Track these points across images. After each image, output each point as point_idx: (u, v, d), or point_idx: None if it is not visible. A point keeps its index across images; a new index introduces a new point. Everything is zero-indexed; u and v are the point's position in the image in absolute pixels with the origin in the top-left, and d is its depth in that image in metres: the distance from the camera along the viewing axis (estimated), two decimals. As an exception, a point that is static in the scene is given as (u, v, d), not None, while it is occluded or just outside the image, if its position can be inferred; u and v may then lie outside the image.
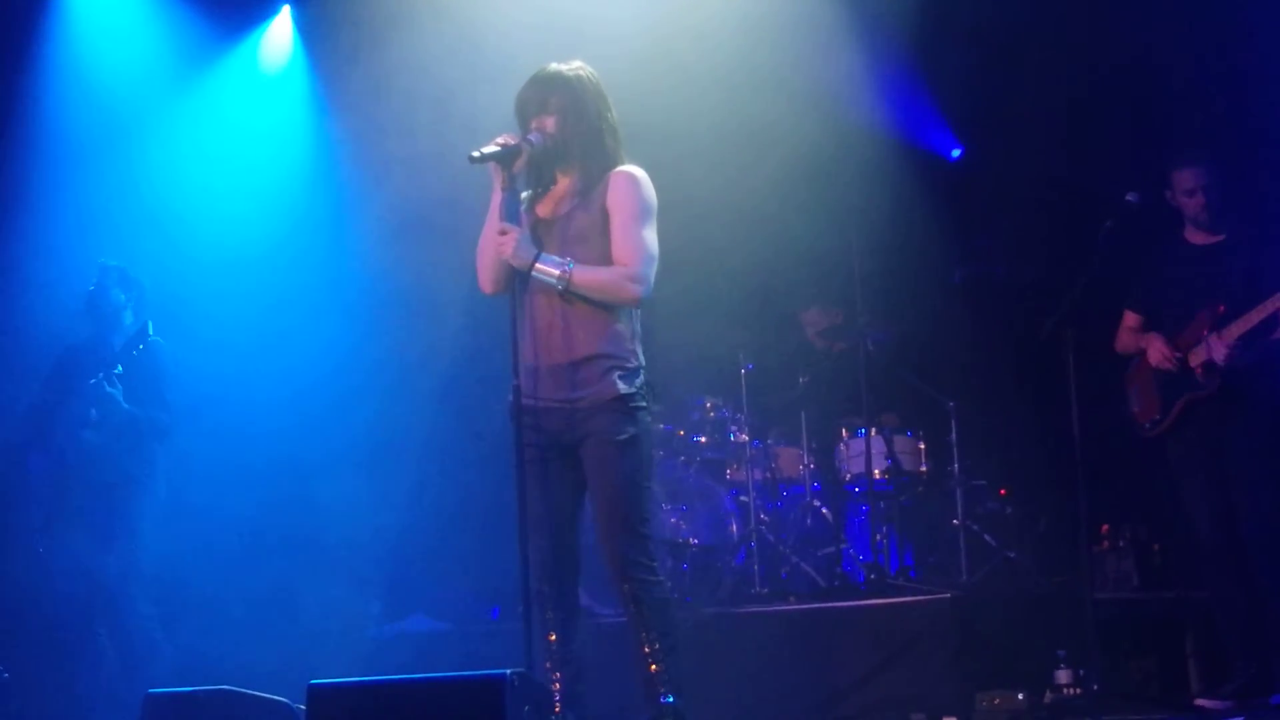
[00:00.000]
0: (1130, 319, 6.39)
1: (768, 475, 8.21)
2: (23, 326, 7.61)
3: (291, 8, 8.66)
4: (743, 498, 8.05)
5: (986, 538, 7.86)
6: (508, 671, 4.12)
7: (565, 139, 4.84)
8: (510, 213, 4.81)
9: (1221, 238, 6.18)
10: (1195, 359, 6.04)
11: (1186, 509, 6.22)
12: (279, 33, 8.69)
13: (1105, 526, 7.68)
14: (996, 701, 6.24)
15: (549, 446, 4.84)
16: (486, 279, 4.92)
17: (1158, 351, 6.14)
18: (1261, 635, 6.04)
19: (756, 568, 7.75)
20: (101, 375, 6.44)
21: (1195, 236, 6.24)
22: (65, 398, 6.62)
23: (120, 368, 6.45)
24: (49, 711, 6.72)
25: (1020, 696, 6.22)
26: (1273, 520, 5.99)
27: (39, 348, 7.27)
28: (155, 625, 6.75)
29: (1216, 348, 5.95)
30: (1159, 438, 6.24)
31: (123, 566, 6.64)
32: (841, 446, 8.17)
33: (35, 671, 6.76)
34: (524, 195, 4.94)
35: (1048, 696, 6.32)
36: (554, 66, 4.91)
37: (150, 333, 6.50)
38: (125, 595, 6.65)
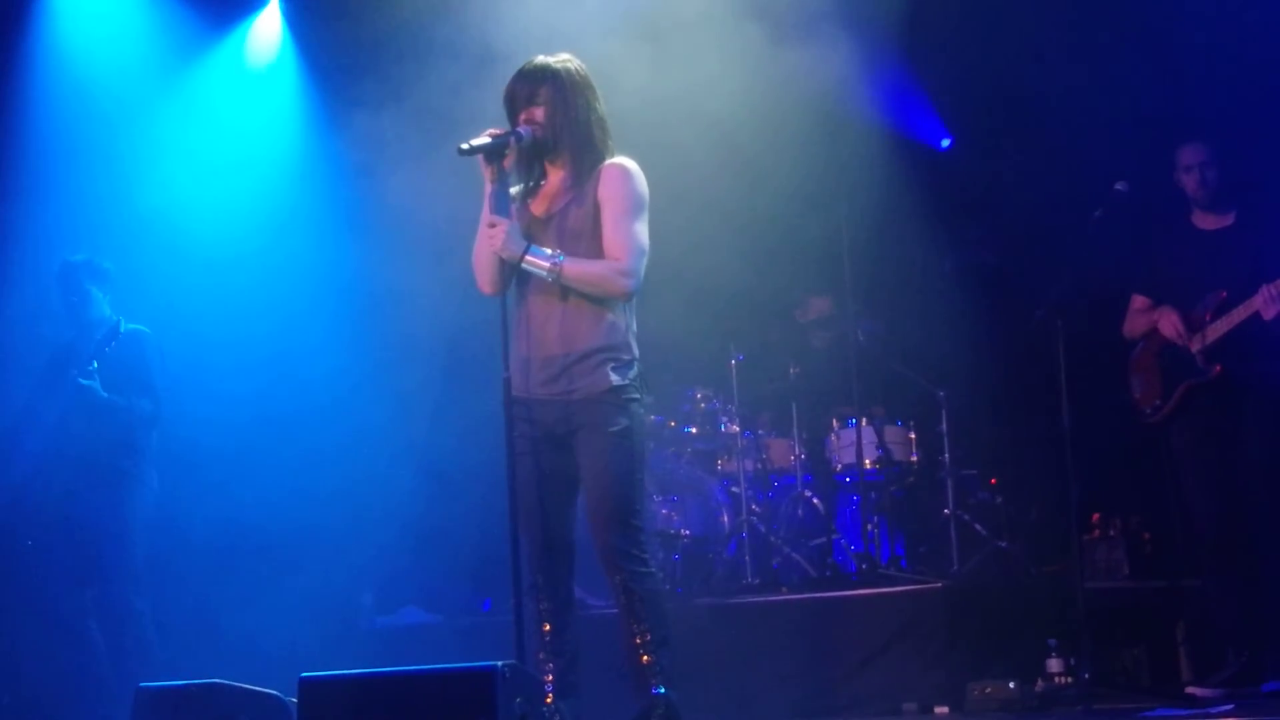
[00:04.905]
0: (1139, 302, 6.36)
1: (759, 466, 8.22)
2: (6, 325, 7.57)
3: (280, 0, 8.64)
4: (734, 489, 8.06)
5: (977, 527, 7.86)
6: (499, 663, 4.12)
7: (554, 131, 4.84)
8: (500, 205, 4.81)
9: (1229, 222, 6.15)
10: (1195, 345, 6.05)
11: (1188, 497, 6.21)
12: (267, 26, 8.65)
13: (1096, 516, 7.67)
14: (988, 690, 6.24)
15: (542, 438, 4.84)
16: (484, 279, 4.91)
17: (1170, 324, 6.11)
18: (1255, 624, 6.04)
19: (748, 558, 7.76)
20: (76, 372, 6.44)
21: (1202, 221, 6.21)
22: (51, 397, 6.61)
23: (95, 364, 6.44)
24: (41, 706, 6.71)
25: (1012, 685, 6.22)
26: (1276, 510, 5.99)
27: (24, 346, 7.25)
28: (148, 619, 6.74)
29: (1210, 336, 5.97)
30: (1161, 425, 6.23)
31: (115, 560, 6.63)
32: (832, 437, 8.18)
33: (27, 666, 6.75)
34: (516, 191, 4.95)
35: (1039, 685, 6.32)
36: (541, 59, 4.91)
37: (121, 329, 6.49)
38: (117, 589, 6.64)
